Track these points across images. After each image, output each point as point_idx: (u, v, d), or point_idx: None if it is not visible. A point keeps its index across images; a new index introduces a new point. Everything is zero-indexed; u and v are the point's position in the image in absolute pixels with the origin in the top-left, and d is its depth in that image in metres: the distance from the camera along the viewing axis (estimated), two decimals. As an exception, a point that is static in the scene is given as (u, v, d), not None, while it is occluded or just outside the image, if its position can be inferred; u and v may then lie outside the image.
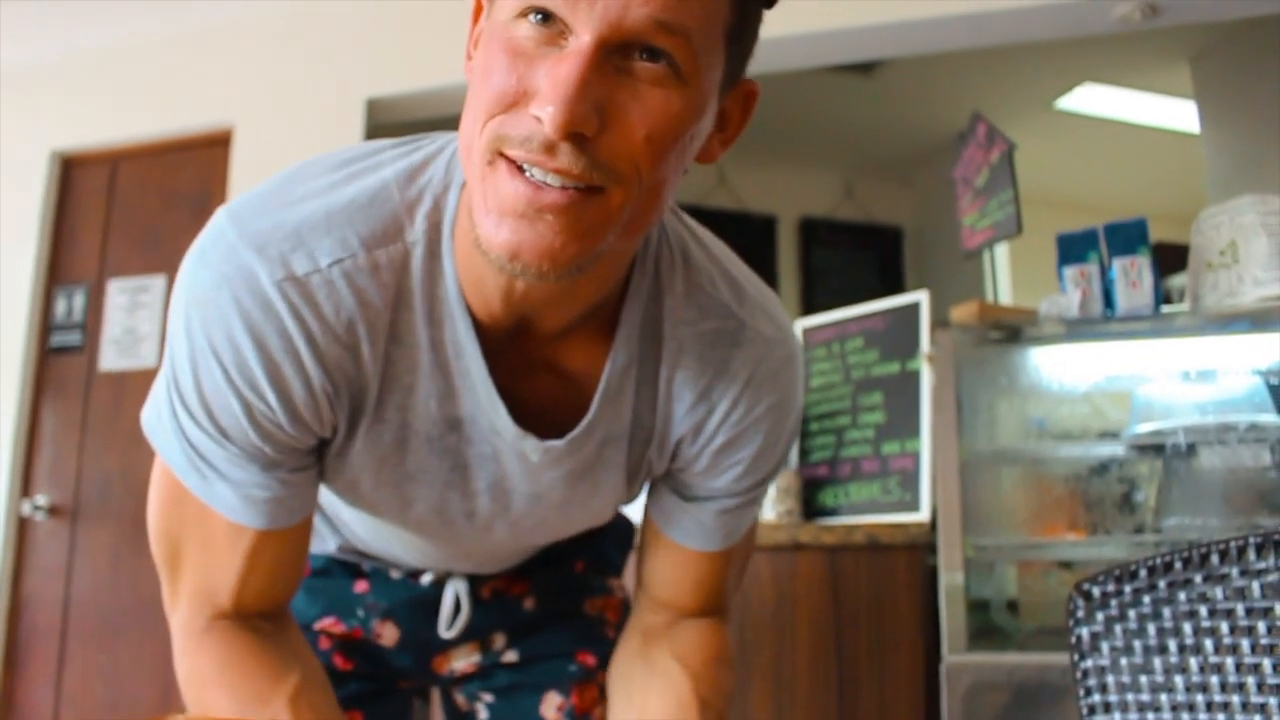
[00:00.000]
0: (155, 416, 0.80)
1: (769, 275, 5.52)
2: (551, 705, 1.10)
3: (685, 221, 0.89)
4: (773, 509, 2.13)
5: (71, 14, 3.55)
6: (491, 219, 0.65)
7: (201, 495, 0.79)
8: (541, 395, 0.82)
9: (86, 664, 3.28)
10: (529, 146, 0.63)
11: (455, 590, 1.07)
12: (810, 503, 2.20)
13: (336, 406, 0.77)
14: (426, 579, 1.08)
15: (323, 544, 1.07)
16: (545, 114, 0.61)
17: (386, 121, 3.39)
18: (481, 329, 0.77)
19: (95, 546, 3.37)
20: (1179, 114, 4.83)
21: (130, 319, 3.50)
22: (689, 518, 0.93)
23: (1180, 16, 2.95)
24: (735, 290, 0.87)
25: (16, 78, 3.73)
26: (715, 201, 5.48)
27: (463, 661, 1.12)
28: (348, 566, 1.09)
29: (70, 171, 3.70)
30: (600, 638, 1.14)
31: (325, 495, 0.95)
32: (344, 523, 1.03)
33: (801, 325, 2.41)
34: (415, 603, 1.08)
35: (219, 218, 0.76)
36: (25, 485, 3.46)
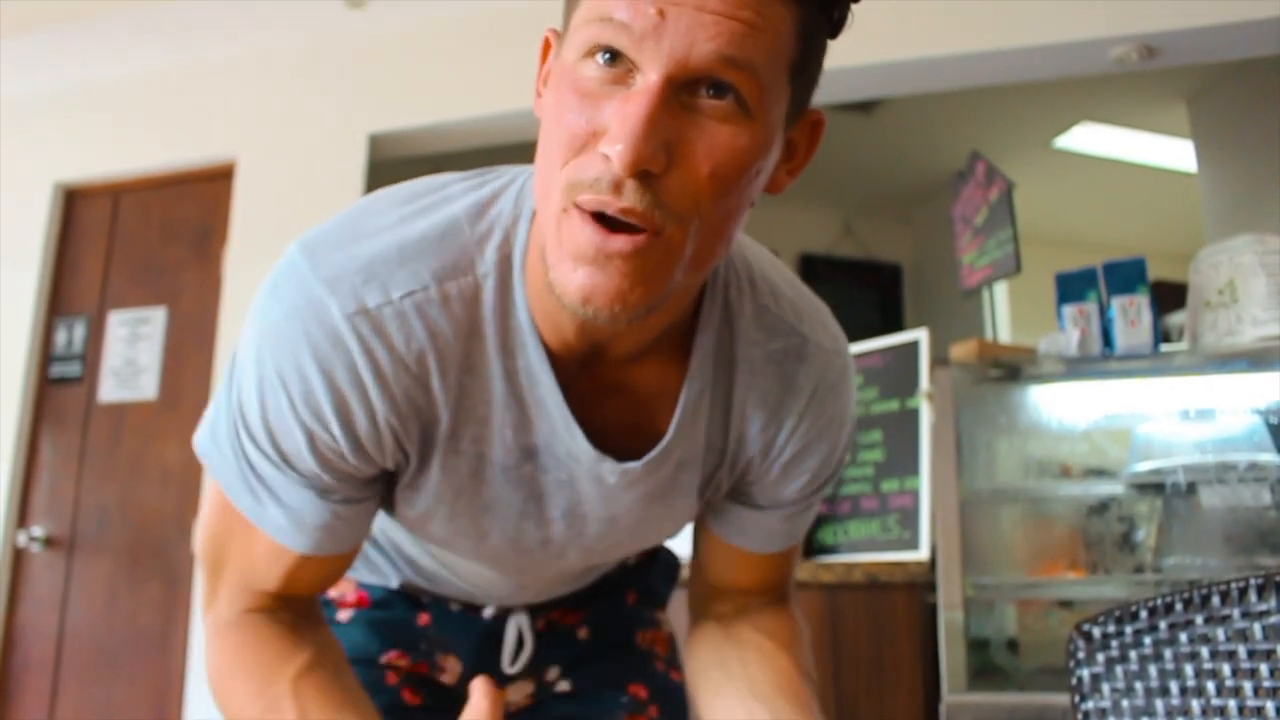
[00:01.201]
0: (210, 438, 0.83)
1: (768, 311, 5.54)
2: None
3: (744, 242, 0.90)
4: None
5: (75, 47, 3.58)
6: (566, 264, 0.66)
7: (251, 516, 0.81)
8: (615, 419, 0.82)
9: (80, 697, 3.25)
10: (598, 188, 0.64)
11: (518, 624, 1.07)
12: (809, 540, 2.19)
13: (405, 439, 0.78)
14: (488, 612, 1.07)
15: (384, 580, 1.06)
16: (614, 152, 0.62)
17: (388, 156, 3.42)
18: (554, 357, 0.78)
19: (91, 578, 3.35)
20: (1176, 153, 4.86)
21: (130, 350, 3.50)
22: (754, 525, 0.94)
23: (1177, 58, 2.98)
24: (795, 307, 0.88)
25: (20, 109, 3.76)
26: (716, 238, 5.50)
27: (518, 694, 1.11)
28: (408, 599, 1.08)
29: (72, 203, 3.72)
30: (651, 670, 1.13)
31: (391, 531, 0.98)
32: (410, 558, 1.03)
33: (801, 361, 2.41)
34: (477, 637, 1.07)
35: (292, 251, 0.76)
36: (22, 516, 3.45)
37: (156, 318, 3.51)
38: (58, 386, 3.56)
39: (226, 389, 0.80)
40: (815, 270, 5.67)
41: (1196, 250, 2.32)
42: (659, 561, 1.20)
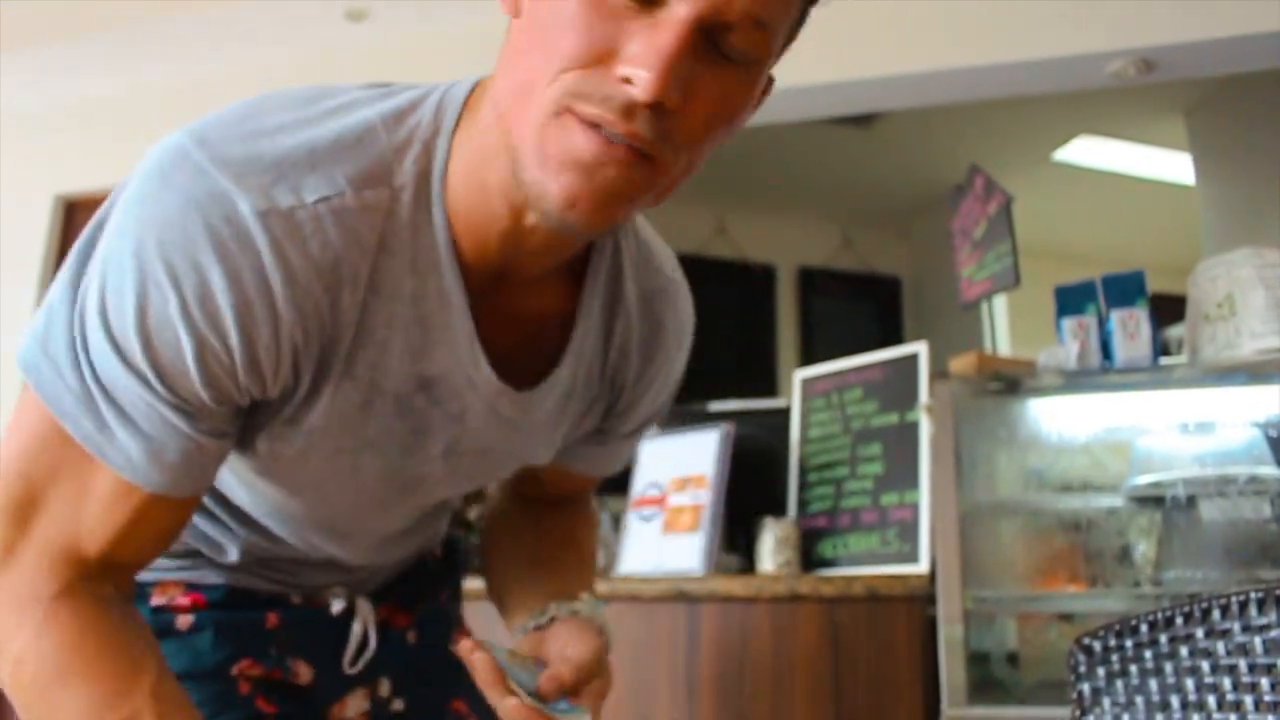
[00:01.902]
0: (39, 350, 0.70)
1: (767, 324, 5.54)
2: None
3: None
4: (771, 560, 2.11)
5: (76, 60, 3.59)
6: (550, 167, 0.64)
7: (92, 446, 0.70)
8: (509, 346, 0.80)
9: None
10: (609, 105, 0.62)
11: (364, 621, 1.02)
12: (809, 554, 2.19)
13: (303, 359, 0.71)
14: (337, 607, 1.01)
15: (221, 555, 0.94)
16: (639, 77, 0.61)
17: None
18: (465, 280, 0.75)
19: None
20: (1175, 166, 4.87)
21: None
22: (601, 454, 1.00)
23: (1174, 72, 2.99)
24: (662, 249, 0.93)
25: (20, 122, 3.77)
26: (714, 251, 5.51)
27: (354, 710, 1.05)
28: (246, 595, 0.97)
29: (72, 215, 3.72)
30: (469, 683, 1.10)
31: (234, 490, 0.88)
32: (251, 521, 0.92)
33: (800, 376, 2.41)
34: (323, 637, 1.01)
35: (181, 139, 0.70)
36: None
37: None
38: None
39: (69, 289, 0.70)
40: (814, 283, 5.68)
41: (1194, 263, 2.32)
42: (460, 551, 1.22)
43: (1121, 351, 2.19)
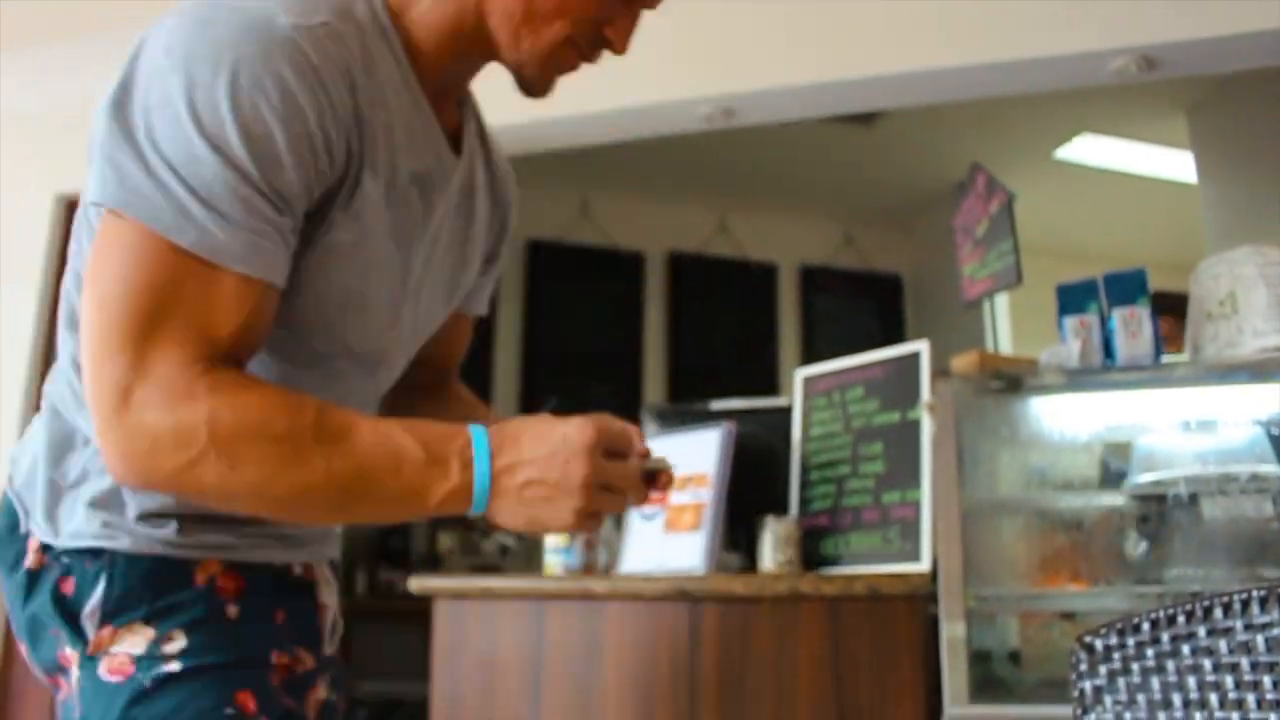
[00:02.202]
0: (119, 186, 0.83)
1: (769, 322, 5.55)
2: None
3: None
4: (772, 559, 2.11)
5: (76, 60, 3.59)
6: (546, 68, 1.02)
7: (205, 250, 0.82)
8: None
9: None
10: (594, 47, 1.02)
11: (333, 608, 1.15)
12: (810, 552, 2.19)
13: (352, 140, 0.91)
14: (324, 598, 1.13)
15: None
16: (618, 42, 1.02)
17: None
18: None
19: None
20: (1176, 164, 4.87)
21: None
22: (485, 287, 1.29)
23: (1176, 69, 2.98)
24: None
25: (22, 121, 3.77)
26: (716, 249, 5.52)
27: (320, 696, 1.11)
28: (265, 574, 1.05)
29: (74, 214, 3.72)
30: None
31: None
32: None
33: (801, 375, 2.41)
34: (312, 625, 1.10)
35: None
36: (21, 529, 3.45)
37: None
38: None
39: (121, 135, 0.85)
40: (815, 281, 5.68)
41: (1196, 261, 2.32)
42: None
43: (1123, 350, 2.19)
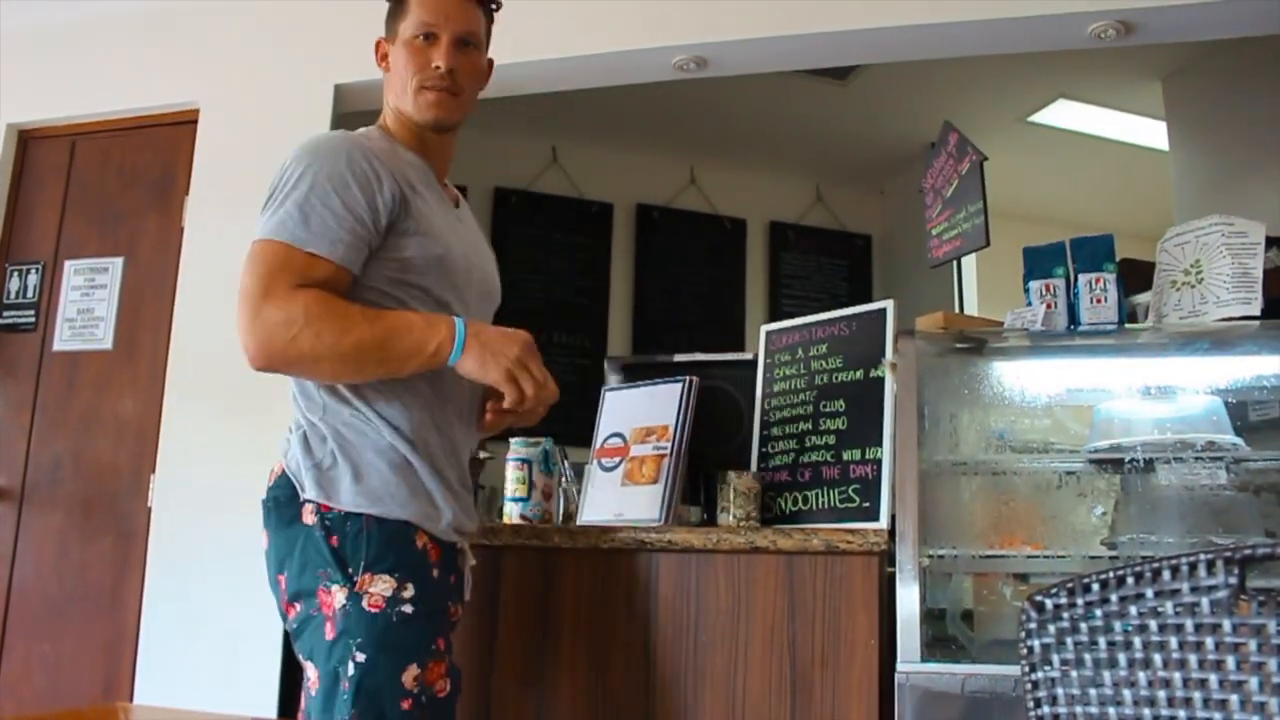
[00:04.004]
0: (275, 223, 1.50)
1: (737, 278, 5.53)
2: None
3: None
4: (731, 513, 2.11)
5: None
6: (420, 107, 1.69)
7: (299, 243, 1.49)
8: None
9: (28, 653, 3.21)
10: (434, 79, 1.68)
11: (469, 567, 1.73)
12: (769, 508, 2.19)
13: (395, 189, 1.57)
14: (471, 561, 1.75)
15: (436, 522, 1.58)
16: (443, 64, 1.68)
17: (354, 108, 3.35)
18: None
19: (42, 532, 3.30)
20: (1150, 132, 4.87)
21: (87, 301, 3.43)
22: None
23: (1153, 35, 2.97)
24: None
25: (-24, 51, 3.65)
26: (685, 202, 5.47)
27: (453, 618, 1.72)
28: (451, 556, 1.63)
29: (27, 146, 3.63)
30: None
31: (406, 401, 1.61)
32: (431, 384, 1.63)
33: (765, 330, 2.40)
34: (460, 586, 1.68)
35: (319, 136, 1.64)
36: (-28, 466, 3.39)
37: (114, 267, 3.44)
38: (9, 335, 3.49)
39: (288, 197, 1.52)
40: (785, 238, 5.65)
41: (1165, 229, 2.32)
42: None
43: (1088, 315, 2.20)
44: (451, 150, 1.80)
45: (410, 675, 1.47)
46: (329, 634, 1.48)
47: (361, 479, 1.52)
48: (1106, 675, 0.94)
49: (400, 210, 1.56)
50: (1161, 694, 0.90)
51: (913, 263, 4.92)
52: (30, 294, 3.49)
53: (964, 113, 4.05)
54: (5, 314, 3.49)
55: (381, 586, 1.48)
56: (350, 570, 1.48)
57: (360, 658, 1.45)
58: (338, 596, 1.48)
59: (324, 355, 1.44)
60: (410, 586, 1.50)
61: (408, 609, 1.48)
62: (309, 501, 1.53)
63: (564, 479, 2.43)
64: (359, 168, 1.52)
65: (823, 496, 2.13)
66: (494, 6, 1.79)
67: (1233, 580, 0.89)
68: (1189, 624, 0.89)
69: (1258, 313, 2.10)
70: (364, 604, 1.47)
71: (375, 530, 1.50)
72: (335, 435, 1.56)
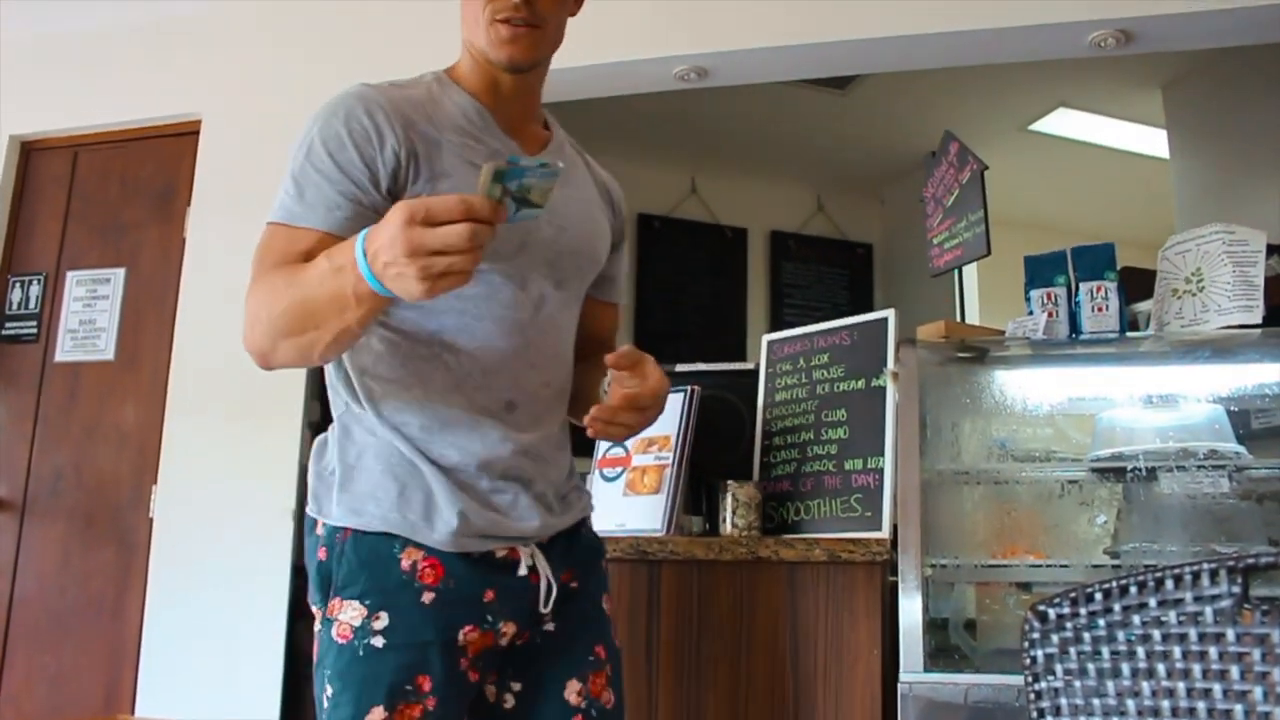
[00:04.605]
0: (276, 203, 1.29)
1: (738, 287, 5.53)
2: (573, 691, 1.38)
3: None
4: (733, 523, 2.11)
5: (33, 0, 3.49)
6: (494, 44, 1.37)
7: (284, 219, 1.27)
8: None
9: (30, 664, 3.21)
10: (508, 10, 1.35)
11: (544, 571, 1.38)
12: (771, 517, 2.19)
13: (410, 136, 1.32)
14: (524, 567, 1.36)
15: (428, 531, 1.31)
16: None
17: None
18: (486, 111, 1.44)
19: (43, 542, 3.30)
20: (1151, 141, 4.88)
21: (89, 311, 3.43)
22: (615, 277, 1.64)
23: (1153, 44, 2.98)
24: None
25: (-22, 63, 3.67)
26: (686, 212, 5.48)
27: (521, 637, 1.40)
28: (473, 568, 1.32)
29: (29, 157, 3.64)
30: (610, 636, 1.47)
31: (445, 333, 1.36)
32: (456, 354, 1.36)
33: (766, 339, 2.40)
34: (521, 597, 1.36)
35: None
36: (-27, 477, 3.39)
37: (116, 278, 3.44)
38: (11, 345, 3.49)
39: (290, 171, 1.30)
40: (786, 247, 5.65)
41: (1166, 238, 2.32)
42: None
43: (1089, 324, 2.19)
44: (537, 93, 1.49)
45: (376, 717, 1.24)
46: (315, 657, 1.35)
47: (349, 485, 1.33)
48: (1110, 685, 0.94)
49: (410, 171, 1.31)
50: (1165, 704, 0.90)
51: (914, 272, 4.92)
52: (32, 305, 3.49)
53: (964, 122, 4.05)
54: (7, 325, 3.50)
55: (350, 614, 1.28)
56: (329, 591, 1.32)
57: (329, 691, 1.28)
58: (318, 619, 1.34)
59: (275, 339, 1.21)
60: (384, 616, 1.27)
61: (377, 641, 1.26)
62: (310, 519, 1.38)
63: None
64: (358, 125, 1.28)
65: (825, 506, 2.13)
66: None
67: (1236, 589, 0.89)
68: (1192, 633, 0.89)
69: (1259, 321, 2.10)
70: (333, 632, 1.29)
71: (350, 547, 1.30)
72: (342, 434, 1.37)
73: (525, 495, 1.37)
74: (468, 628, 1.30)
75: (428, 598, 1.28)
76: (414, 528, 1.30)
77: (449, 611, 1.29)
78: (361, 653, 1.26)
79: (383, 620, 1.27)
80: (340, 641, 1.27)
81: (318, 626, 1.33)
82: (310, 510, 1.37)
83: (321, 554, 1.33)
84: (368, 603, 1.27)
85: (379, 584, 1.28)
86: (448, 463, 1.32)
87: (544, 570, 1.37)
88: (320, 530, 1.34)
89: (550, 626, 1.40)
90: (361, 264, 1.08)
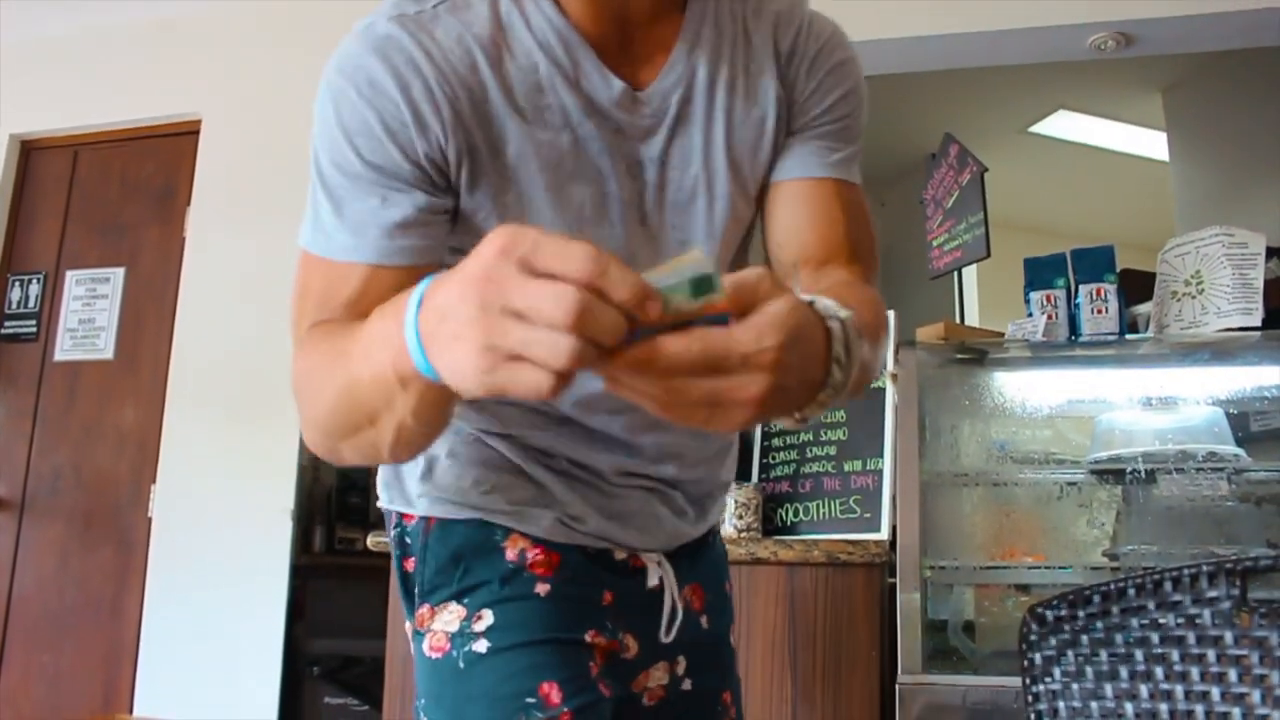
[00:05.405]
0: (305, 219, 0.92)
1: (739, 290, 5.52)
2: None
3: None
4: (732, 523, 2.11)
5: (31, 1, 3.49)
6: None
7: (320, 250, 0.89)
8: (634, 74, 0.97)
9: (28, 663, 3.20)
10: None
11: (672, 591, 1.09)
12: (770, 518, 2.19)
13: (465, 114, 0.89)
14: (653, 580, 1.08)
15: (537, 519, 1.03)
16: None
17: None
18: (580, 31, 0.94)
19: (42, 542, 3.30)
20: (1150, 143, 4.88)
21: (88, 311, 3.43)
22: (795, 148, 1.03)
23: (1153, 47, 2.98)
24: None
25: (-22, 62, 3.67)
26: (688, 214, 5.47)
27: (655, 681, 1.10)
28: (591, 563, 1.05)
29: (29, 157, 3.64)
30: (735, 675, 1.21)
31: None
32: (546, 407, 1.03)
33: (767, 339, 2.39)
34: (644, 610, 1.08)
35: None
36: (-28, 476, 3.39)
37: (115, 278, 3.44)
38: (11, 345, 3.49)
39: (314, 175, 0.91)
40: (787, 250, 5.65)
41: (1165, 240, 2.32)
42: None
43: (1088, 326, 2.20)
44: (658, 40, 0.97)
45: None
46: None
47: (433, 470, 1.04)
48: (1108, 687, 0.94)
49: (463, 172, 0.90)
50: (1163, 707, 0.90)
51: (913, 273, 4.91)
52: (32, 304, 3.49)
53: (964, 124, 4.05)
54: (7, 324, 3.49)
55: (444, 620, 1.00)
56: (415, 598, 1.04)
57: None
58: (410, 637, 1.07)
59: (332, 440, 0.84)
60: (487, 615, 0.98)
61: (480, 646, 0.97)
62: (387, 511, 1.10)
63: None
64: (389, 103, 0.86)
65: (824, 508, 2.13)
66: None
67: (1234, 592, 0.89)
68: (1191, 636, 0.89)
69: (1258, 323, 2.10)
70: (425, 647, 1.00)
71: (436, 540, 1.03)
72: None
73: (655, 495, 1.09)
74: (592, 631, 1.01)
75: (542, 589, 1.00)
76: (517, 515, 1.02)
77: (569, 607, 1.01)
78: (463, 664, 0.97)
79: (486, 619, 0.98)
80: (434, 656, 0.99)
81: (412, 649, 1.05)
82: (383, 502, 1.10)
83: (408, 562, 1.06)
84: (465, 601, 0.99)
85: (479, 577, 1.00)
86: (550, 462, 1.05)
87: (670, 587, 1.08)
88: (401, 524, 1.08)
89: (688, 685, 1.12)
90: (409, 323, 0.64)
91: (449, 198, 0.91)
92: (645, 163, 0.97)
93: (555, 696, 0.93)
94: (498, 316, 0.56)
